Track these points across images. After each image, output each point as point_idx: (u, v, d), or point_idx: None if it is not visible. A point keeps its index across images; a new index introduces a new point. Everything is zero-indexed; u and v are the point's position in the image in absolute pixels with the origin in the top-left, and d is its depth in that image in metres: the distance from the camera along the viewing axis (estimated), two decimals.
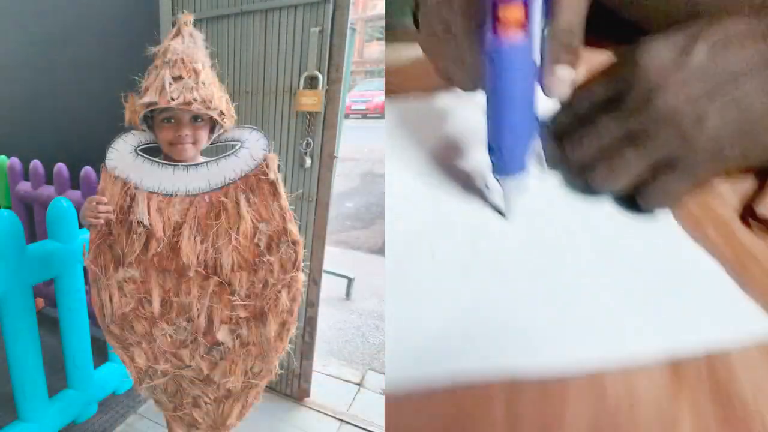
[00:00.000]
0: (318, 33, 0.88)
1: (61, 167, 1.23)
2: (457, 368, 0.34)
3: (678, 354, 0.34)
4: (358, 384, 1.19)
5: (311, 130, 0.93)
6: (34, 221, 1.33)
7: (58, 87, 1.38)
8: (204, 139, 0.65)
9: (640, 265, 0.41)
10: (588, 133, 0.45)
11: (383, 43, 0.58)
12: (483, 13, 0.41)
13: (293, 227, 0.63)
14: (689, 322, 0.36)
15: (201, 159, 0.66)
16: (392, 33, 0.84)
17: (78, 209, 0.69)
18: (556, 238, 0.44)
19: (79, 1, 1.28)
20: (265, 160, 0.63)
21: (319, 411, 1.07)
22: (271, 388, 1.10)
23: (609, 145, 0.44)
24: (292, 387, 1.10)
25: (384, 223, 0.47)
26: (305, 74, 0.91)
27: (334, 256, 1.76)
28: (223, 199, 0.62)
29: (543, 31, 0.42)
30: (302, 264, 0.64)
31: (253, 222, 0.62)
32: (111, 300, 0.64)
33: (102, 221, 0.61)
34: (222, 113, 0.63)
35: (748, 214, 0.45)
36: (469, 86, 0.50)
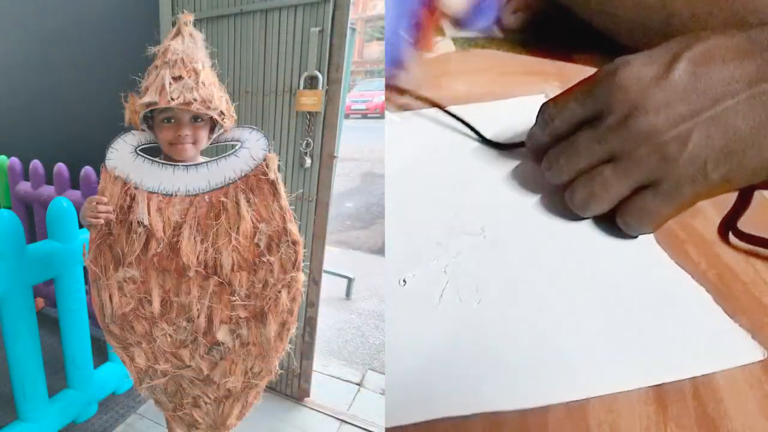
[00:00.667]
0: (318, 33, 0.88)
1: (61, 167, 1.23)
2: (436, 404, 0.33)
3: (662, 380, 0.33)
4: (358, 384, 1.19)
5: (311, 130, 0.93)
6: (34, 221, 1.33)
7: (58, 87, 1.38)
8: (204, 139, 0.65)
9: (621, 290, 0.40)
10: (566, 152, 0.44)
11: (383, 43, 0.58)
12: None
13: (293, 227, 0.63)
14: (673, 347, 0.35)
15: (201, 159, 0.66)
16: None
17: (78, 209, 0.69)
18: (536, 266, 0.43)
19: (79, 0, 1.28)
20: (265, 160, 0.63)
21: (319, 411, 1.07)
22: (271, 388, 1.10)
23: (588, 165, 0.43)
24: (292, 387, 1.10)
25: (384, 224, 0.47)
26: (305, 74, 0.91)
27: (334, 256, 1.76)
28: (223, 199, 0.62)
29: None
30: (302, 264, 0.64)
31: (253, 222, 0.62)
32: (111, 300, 0.64)
33: (102, 221, 0.61)
34: (222, 113, 0.63)
35: (729, 231, 0.44)
36: None
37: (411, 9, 0.57)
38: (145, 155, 0.64)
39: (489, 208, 0.48)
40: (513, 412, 0.32)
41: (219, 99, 0.63)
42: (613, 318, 0.38)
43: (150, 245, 0.62)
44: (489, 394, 0.33)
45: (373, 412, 1.06)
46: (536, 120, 0.48)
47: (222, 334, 0.65)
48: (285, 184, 0.64)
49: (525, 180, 0.51)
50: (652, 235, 0.44)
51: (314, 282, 1.01)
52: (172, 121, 0.63)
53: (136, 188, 0.62)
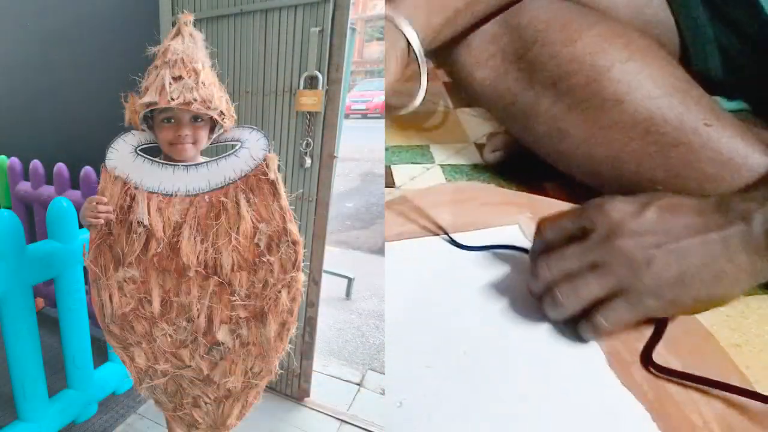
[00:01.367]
0: (318, 33, 0.88)
1: (61, 167, 1.23)
2: None
3: None
4: (358, 384, 1.19)
5: (311, 130, 0.93)
6: (34, 221, 1.33)
7: (58, 87, 1.38)
8: (204, 139, 0.65)
9: (573, 404, 0.47)
10: (555, 258, 0.53)
11: (383, 43, 0.58)
12: None
13: (293, 227, 0.63)
14: None
15: (201, 159, 0.66)
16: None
17: (78, 209, 0.69)
18: (495, 365, 0.51)
19: (79, 0, 1.28)
20: (265, 160, 0.63)
21: (319, 411, 1.07)
22: (271, 388, 1.10)
23: (573, 270, 0.52)
24: (292, 387, 1.10)
25: (383, 224, 0.48)
26: (305, 74, 0.91)
27: (334, 256, 1.76)
28: (223, 199, 0.62)
29: None
30: (302, 264, 0.64)
31: (253, 222, 0.62)
32: (111, 300, 0.64)
33: (102, 221, 0.62)
34: (222, 113, 0.63)
35: (644, 360, 0.51)
36: None
37: None
38: (145, 155, 0.64)
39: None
40: None
41: (219, 99, 0.63)
42: (561, 423, 0.46)
43: (150, 245, 0.62)
44: None
45: (373, 412, 1.06)
46: (534, 236, 0.58)
47: (222, 334, 0.65)
48: (285, 184, 0.64)
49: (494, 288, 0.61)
50: (603, 356, 0.52)
51: (314, 282, 1.01)
52: (172, 121, 0.63)
53: (136, 188, 0.62)
